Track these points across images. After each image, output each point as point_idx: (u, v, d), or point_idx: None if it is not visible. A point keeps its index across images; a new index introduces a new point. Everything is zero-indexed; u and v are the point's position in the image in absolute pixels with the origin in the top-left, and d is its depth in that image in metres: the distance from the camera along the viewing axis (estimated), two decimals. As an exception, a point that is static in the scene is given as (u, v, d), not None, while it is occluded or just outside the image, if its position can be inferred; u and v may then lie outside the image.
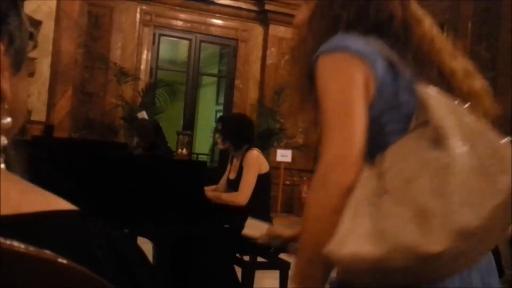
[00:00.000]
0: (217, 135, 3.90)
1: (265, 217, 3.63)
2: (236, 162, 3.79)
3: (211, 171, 8.95)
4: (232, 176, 3.79)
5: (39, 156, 2.83)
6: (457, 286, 1.03)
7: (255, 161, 3.63)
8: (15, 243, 0.37)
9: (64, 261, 0.39)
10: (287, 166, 8.62)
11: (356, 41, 1.12)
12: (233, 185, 3.70)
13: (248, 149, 3.69)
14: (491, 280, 1.09)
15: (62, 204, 0.48)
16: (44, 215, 0.45)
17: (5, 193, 0.45)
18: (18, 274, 0.37)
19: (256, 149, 3.73)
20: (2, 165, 0.48)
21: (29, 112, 6.69)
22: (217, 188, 3.87)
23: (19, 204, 0.45)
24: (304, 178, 9.36)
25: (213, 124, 11.42)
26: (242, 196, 3.53)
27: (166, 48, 10.37)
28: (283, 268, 3.45)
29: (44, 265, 0.38)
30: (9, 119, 0.50)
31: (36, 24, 6.44)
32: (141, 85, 8.52)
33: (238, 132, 3.76)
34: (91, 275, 0.40)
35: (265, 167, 3.68)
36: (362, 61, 1.09)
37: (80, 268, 0.39)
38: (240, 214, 3.39)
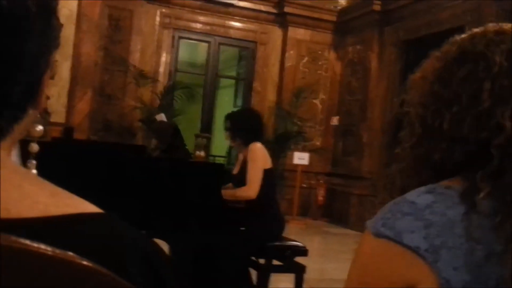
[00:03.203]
0: (226, 133, 3.65)
1: (277, 216, 3.57)
2: (240, 158, 3.64)
3: (226, 173, 8.96)
4: (235, 171, 3.64)
5: (57, 158, 2.86)
6: None
7: (259, 154, 3.43)
8: (42, 246, 0.38)
9: (91, 265, 0.39)
10: (304, 169, 8.60)
11: (418, 224, 0.74)
12: (237, 181, 3.54)
13: (251, 142, 3.48)
14: None
15: (89, 207, 0.48)
16: (71, 218, 0.46)
17: (34, 196, 0.46)
18: (45, 277, 0.37)
19: (258, 142, 3.49)
20: (34, 170, 0.49)
21: (49, 114, 6.78)
22: (226, 187, 3.67)
23: (47, 207, 0.45)
24: (321, 181, 9.33)
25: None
26: (250, 190, 3.35)
27: (185, 51, 10.41)
28: (298, 271, 3.42)
29: (70, 269, 0.38)
30: (41, 127, 0.51)
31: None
32: (160, 87, 8.58)
33: (248, 127, 3.55)
34: (117, 279, 0.40)
35: (269, 163, 3.50)
36: (419, 258, 0.73)
37: (106, 272, 0.40)
38: (254, 216, 3.37)
